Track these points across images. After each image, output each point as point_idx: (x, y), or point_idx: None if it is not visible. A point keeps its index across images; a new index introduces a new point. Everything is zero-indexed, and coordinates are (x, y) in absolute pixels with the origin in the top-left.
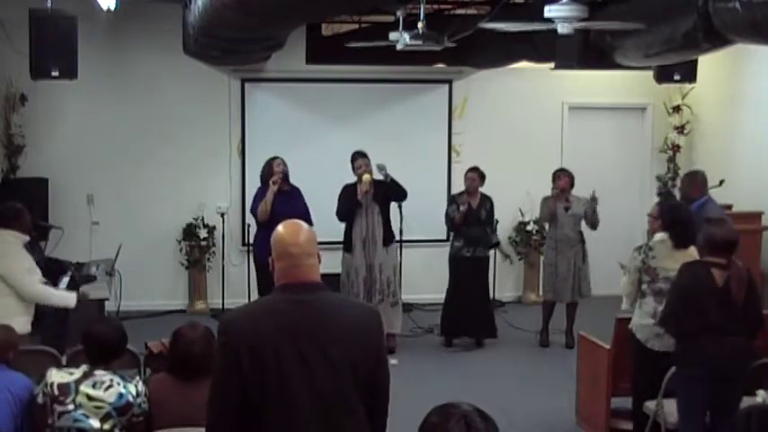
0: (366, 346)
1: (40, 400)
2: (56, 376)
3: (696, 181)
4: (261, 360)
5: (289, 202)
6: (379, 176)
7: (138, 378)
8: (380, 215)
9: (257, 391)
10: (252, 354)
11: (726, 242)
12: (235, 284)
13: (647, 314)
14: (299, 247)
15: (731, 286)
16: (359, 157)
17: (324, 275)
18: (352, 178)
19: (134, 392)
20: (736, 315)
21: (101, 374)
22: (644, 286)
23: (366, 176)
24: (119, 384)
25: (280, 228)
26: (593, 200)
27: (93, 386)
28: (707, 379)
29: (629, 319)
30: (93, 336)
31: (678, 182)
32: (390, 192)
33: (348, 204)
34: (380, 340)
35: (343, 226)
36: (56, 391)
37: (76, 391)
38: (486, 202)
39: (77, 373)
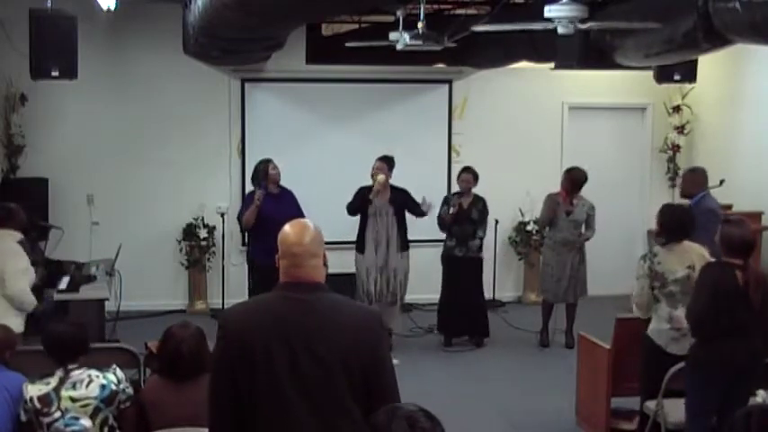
0: (362, 347)
1: (23, 418)
2: (33, 390)
3: (698, 177)
4: (252, 357)
5: (280, 206)
6: (394, 182)
7: (114, 366)
8: (395, 219)
9: (249, 387)
10: (244, 350)
11: (744, 243)
12: (235, 284)
13: (663, 319)
14: (303, 248)
15: (750, 287)
16: (378, 160)
17: (333, 275)
18: (352, 178)
19: (115, 380)
20: (755, 316)
21: (77, 374)
22: (655, 291)
23: (380, 177)
24: (98, 377)
25: (287, 226)
26: (590, 226)
27: (74, 387)
28: (724, 379)
29: (630, 320)
30: (57, 339)
31: (678, 182)
32: (408, 205)
33: (359, 201)
34: (379, 342)
35: (350, 225)
36: (37, 405)
37: (59, 398)
38: (479, 202)
39: (53, 380)
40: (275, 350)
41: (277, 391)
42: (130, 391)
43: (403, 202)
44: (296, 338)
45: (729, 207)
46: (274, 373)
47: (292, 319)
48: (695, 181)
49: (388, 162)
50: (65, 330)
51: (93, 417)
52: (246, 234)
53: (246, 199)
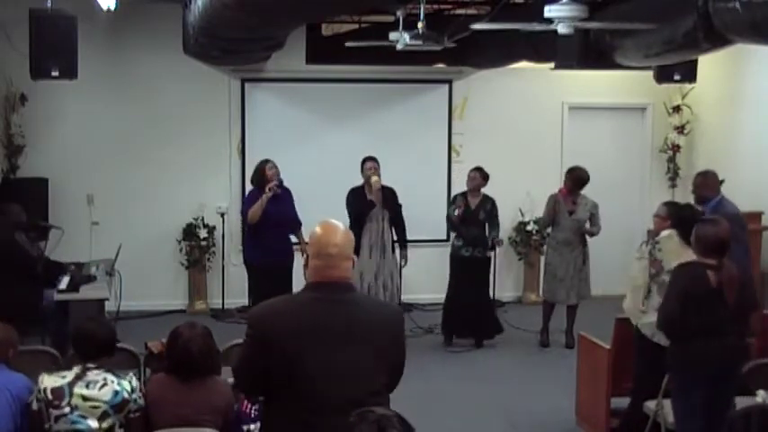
0: (393, 345)
1: (34, 406)
2: (48, 381)
3: (709, 180)
4: (286, 356)
5: (281, 204)
6: (386, 183)
7: (131, 373)
8: (390, 222)
9: (282, 383)
10: (278, 351)
11: (717, 242)
12: (235, 284)
13: (652, 308)
14: (338, 248)
15: (724, 287)
16: (368, 161)
17: None
18: (352, 178)
19: (129, 388)
20: (730, 316)
21: (94, 374)
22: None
23: (375, 178)
24: (113, 382)
25: (318, 228)
26: (594, 224)
27: (87, 386)
28: (705, 380)
29: (630, 320)
30: (84, 334)
31: (678, 182)
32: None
33: (363, 204)
34: (403, 339)
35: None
36: (50, 396)
37: (71, 394)
38: (487, 202)
39: (69, 375)
40: (311, 351)
41: (310, 388)
42: (141, 401)
43: (392, 204)
44: (333, 339)
45: None
46: (309, 373)
47: (328, 320)
48: (707, 184)
49: (376, 161)
50: (95, 328)
51: (100, 420)
52: (243, 234)
53: (248, 197)
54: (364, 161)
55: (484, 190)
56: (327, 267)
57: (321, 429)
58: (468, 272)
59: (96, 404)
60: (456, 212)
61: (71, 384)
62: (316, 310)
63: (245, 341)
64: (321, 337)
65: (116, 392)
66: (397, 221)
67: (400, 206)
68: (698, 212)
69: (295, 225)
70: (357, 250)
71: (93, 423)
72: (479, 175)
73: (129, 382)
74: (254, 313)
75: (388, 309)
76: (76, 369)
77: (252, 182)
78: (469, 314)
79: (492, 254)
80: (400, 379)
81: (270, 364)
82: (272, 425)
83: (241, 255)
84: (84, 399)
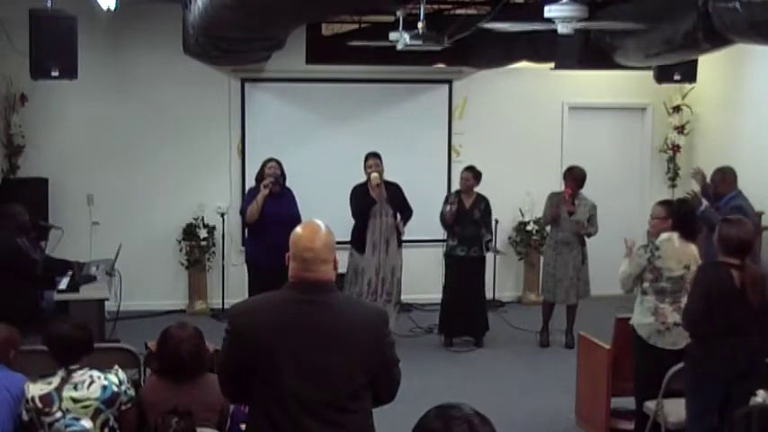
0: (372, 346)
1: (25, 417)
2: (34, 389)
3: (727, 177)
4: (257, 352)
5: (279, 205)
6: (388, 178)
7: (116, 367)
8: (394, 218)
9: (256, 381)
10: (252, 349)
11: (741, 243)
12: (235, 284)
13: (648, 311)
14: (313, 252)
15: (747, 287)
16: (371, 157)
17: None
18: (352, 178)
19: (117, 381)
20: (754, 315)
21: (79, 375)
22: (645, 284)
23: (374, 175)
24: (99, 378)
25: (299, 228)
26: (592, 224)
27: (76, 388)
28: (724, 379)
29: (630, 319)
30: (60, 338)
31: (678, 182)
32: (400, 203)
33: (363, 202)
34: (386, 340)
35: (344, 225)
36: (39, 404)
37: (60, 398)
38: (482, 202)
39: (55, 380)
40: (282, 349)
41: (282, 391)
42: (131, 392)
43: (398, 200)
44: (305, 339)
45: None
46: (279, 371)
47: (302, 319)
48: (725, 180)
49: (379, 157)
50: (68, 330)
51: (93, 418)
52: (245, 233)
53: (247, 194)
54: (366, 158)
55: (478, 189)
56: (304, 270)
57: (290, 430)
58: (464, 271)
59: (87, 403)
60: (449, 209)
61: (59, 389)
62: (290, 309)
63: (224, 337)
64: (292, 335)
65: (105, 387)
66: (403, 210)
67: (407, 202)
68: (694, 206)
69: (297, 224)
70: (361, 245)
71: (87, 423)
72: (472, 175)
73: (116, 375)
74: (232, 309)
75: (369, 309)
76: (61, 373)
77: (255, 180)
78: (467, 314)
79: (487, 254)
80: (396, 385)
81: (244, 361)
82: (248, 424)
83: (241, 255)
84: (75, 401)
